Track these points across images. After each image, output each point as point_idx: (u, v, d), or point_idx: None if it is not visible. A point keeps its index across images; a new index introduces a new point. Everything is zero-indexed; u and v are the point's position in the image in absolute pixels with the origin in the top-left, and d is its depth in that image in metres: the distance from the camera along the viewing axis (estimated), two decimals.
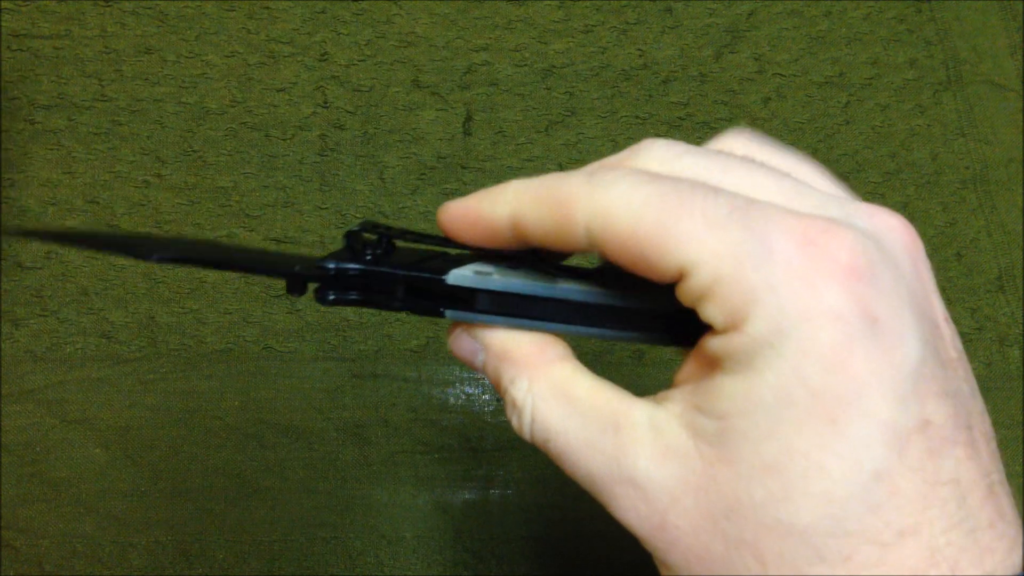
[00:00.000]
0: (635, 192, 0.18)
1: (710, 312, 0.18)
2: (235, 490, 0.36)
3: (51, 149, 0.40)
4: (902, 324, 0.17)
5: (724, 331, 0.18)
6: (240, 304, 0.39)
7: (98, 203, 0.40)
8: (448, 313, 0.22)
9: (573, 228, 0.19)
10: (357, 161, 0.42)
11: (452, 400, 0.39)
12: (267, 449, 0.37)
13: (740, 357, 0.18)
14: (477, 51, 0.45)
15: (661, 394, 0.20)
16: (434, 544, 0.36)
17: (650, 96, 0.45)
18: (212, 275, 0.39)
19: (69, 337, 0.38)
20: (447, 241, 0.22)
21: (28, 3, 0.42)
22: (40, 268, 0.38)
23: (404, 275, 0.22)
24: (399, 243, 0.23)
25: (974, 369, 0.46)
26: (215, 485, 0.36)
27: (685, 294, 0.18)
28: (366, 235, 0.22)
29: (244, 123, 0.42)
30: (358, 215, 0.41)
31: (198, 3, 0.44)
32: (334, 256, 0.21)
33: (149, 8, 0.43)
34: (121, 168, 0.40)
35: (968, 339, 0.44)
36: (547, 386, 0.21)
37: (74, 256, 0.39)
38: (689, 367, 0.20)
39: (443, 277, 0.21)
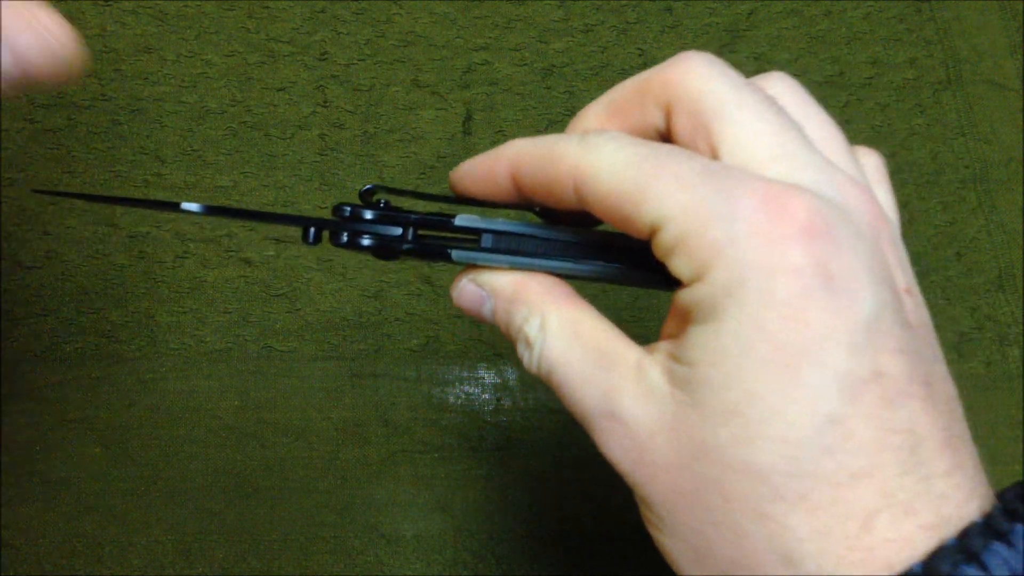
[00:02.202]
0: (618, 154, 0.20)
1: (678, 264, 0.19)
2: (235, 489, 0.36)
3: (51, 148, 0.40)
4: (857, 281, 0.18)
5: (690, 283, 0.19)
6: (240, 303, 0.39)
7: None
8: (455, 254, 0.23)
9: (563, 185, 0.21)
10: (357, 160, 0.42)
11: (452, 400, 0.39)
12: (267, 448, 0.37)
13: (705, 307, 0.19)
14: (477, 50, 0.45)
15: (649, 346, 0.21)
16: (434, 544, 0.36)
17: None
18: (212, 274, 0.39)
19: (69, 336, 0.38)
20: (454, 200, 0.24)
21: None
22: (40, 268, 0.38)
23: (415, 217, 0.23)
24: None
25: (974, 369, 0.47)
26: (215, 485, 0.36)
27: (658, 248, 0.20)
28: (379, 194, 0.24)
29: (244, 122, 0.42)
30: None
31: (198, 2, 0.43)
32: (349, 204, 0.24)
33: (148, 7, 0.43)
34: (121, 168, 0.40)
35: (968, 338, 0.44)
36: (558, 322, 0.22)
37: (74, 255, 0.39)
38: (670, 322, 0.22)
39: (451, 218, 0.23)
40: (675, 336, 0.20)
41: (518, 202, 0.24)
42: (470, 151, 0.43)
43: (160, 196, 0.40)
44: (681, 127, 0.21)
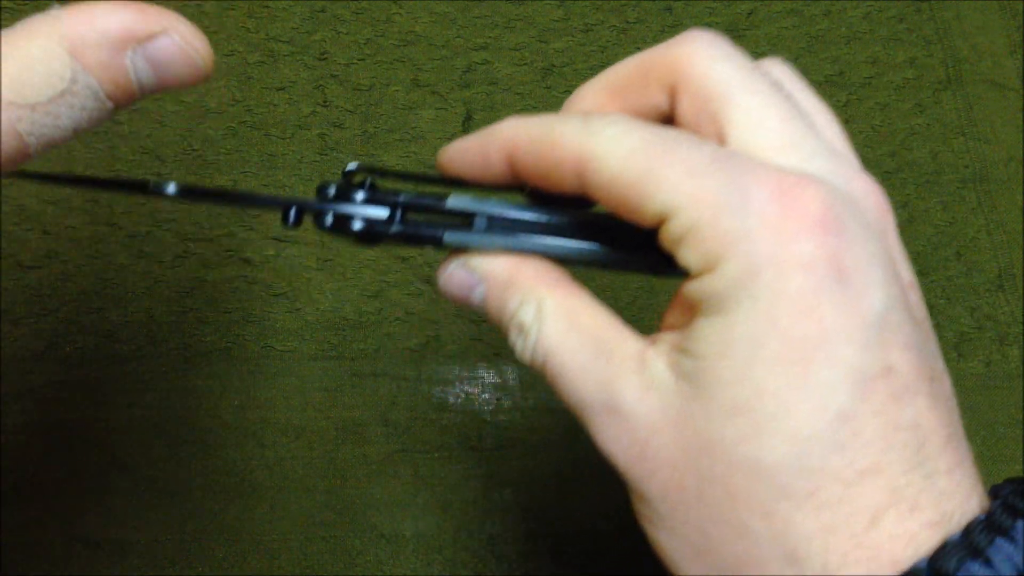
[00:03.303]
0: (624, 139, 0.19)
1: (687, 256, 0.19)
2: (234, 489, 0.36)
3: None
4: (869, 276, 0.18)
5: (699, 275, 0.19)
6: (239, 303, 0.39)
7: (98, 202, 0.40)
8: (447, 236, 0.22)
9: (564, 169, 0.20)
10: (357, 160, 0.42)
11: (452, 399, 0.39)
12: (266, 448, 0.37)
13: (715, 300, 0.18)
14: (477, 50, 0.45)
15: (651, 336, 0.21)
16: (433, 543, 0.36)
17: None
18: (212, 274, 0.39)
19: (69, 336, 0.38)
20: (443, 181, 0.23)
21: (27, 2, 0.42)
22: (40, 267, 0.38)
23: (405, 200, 0.22)
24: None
25: (974, 369, 0.47)
26: (214, 484, 0.36)
27: (665, 238, 0.19)
28: (362, 175, 0.22)
29: (244, 122, 0.42)
30: None
31: (197, 2, 0.43)
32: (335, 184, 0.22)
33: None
34: (121, 167, 0.40)
35: (968, 338, 0.44)
36: (554, 308, 0.21)
37: (74, 255, 0.39)
38: (673, 314, 0.21)
39: (442, 200, 0.22)
40: (679, 328, 0.20)
41: (509, 183, 0.22)
42: None
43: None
44: (686, 110, 0.21)
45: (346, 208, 0.22)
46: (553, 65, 0.45)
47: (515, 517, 0.37)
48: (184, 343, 0.38)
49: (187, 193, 0.21)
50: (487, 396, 0.39)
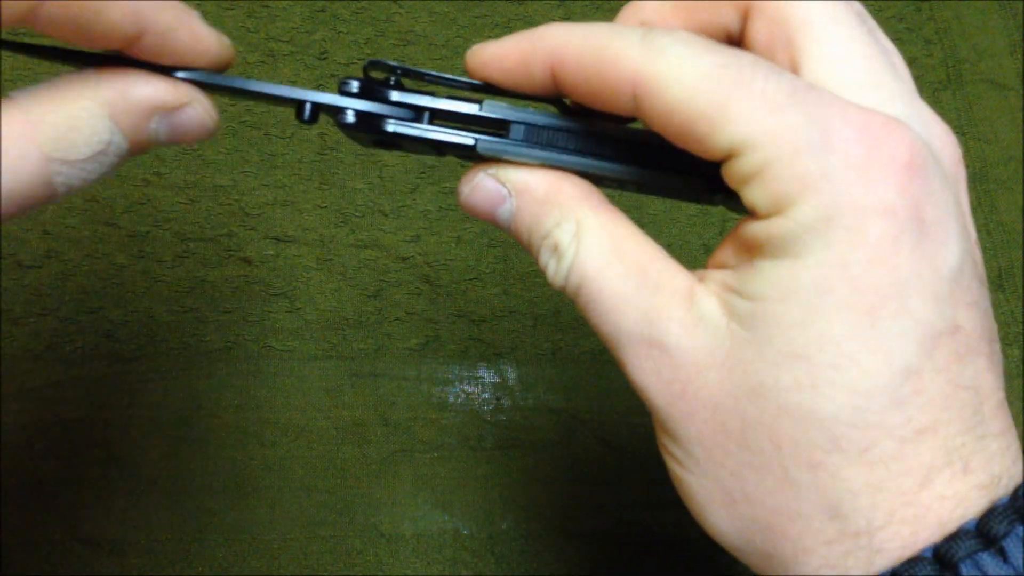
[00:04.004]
0: (693, 62, 0.18)
1: (756, 194, 0.17)
2: (234, 489, 0.36)
3: None
4: (947, 229, 0.17)
5: (768, 215, 0.17)
6: (239, 303, 0.39)
7: (97, 201, 0.40)
8: (482, 144, 0.20)
9: (619, 90, 0.18)
10: (356, 160, 0.42)
11: (451, 399, 0.39)
12: (266, 448, 0.37)
13: (782, 242, 0.17)
14: None
15: (698, 273, 0.20)
16: (433, 543, 0.36)
17: None
18: (212, 274, 0.39)
19: (68, 336, 0.38)
20: (471, 87, 0.21)
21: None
22: (40, 267, 0.38)
23: (432, 104, 0.20)
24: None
25: None
26: (214, 484, 0.36)
27: (732, 174, 0.18)
28: (383, 73, 0.20)
29: (243, 121, 0.42)
30: (358, 213, 0.41)
31: (197, 2, 0.43)
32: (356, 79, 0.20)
33: None
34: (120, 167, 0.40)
35: None
36: (596, 230, 0.19)
37: (74, 255, 0.39)
38: (724, 252, 0.20)
39: (478, 105, 0.20)
40: (732, 267, 0.19)
41: (547, 95, 0.20)
42: None
43: (160, 195, 0.40)
44: (759, 34, 0.19)
45: (369, 106, 0.20)
46: None
47: (515, 517, 0.37)
48: (184, 343, 0.38)
49: (200, 85, 0.20)
50: (487, 396, 0.39)
